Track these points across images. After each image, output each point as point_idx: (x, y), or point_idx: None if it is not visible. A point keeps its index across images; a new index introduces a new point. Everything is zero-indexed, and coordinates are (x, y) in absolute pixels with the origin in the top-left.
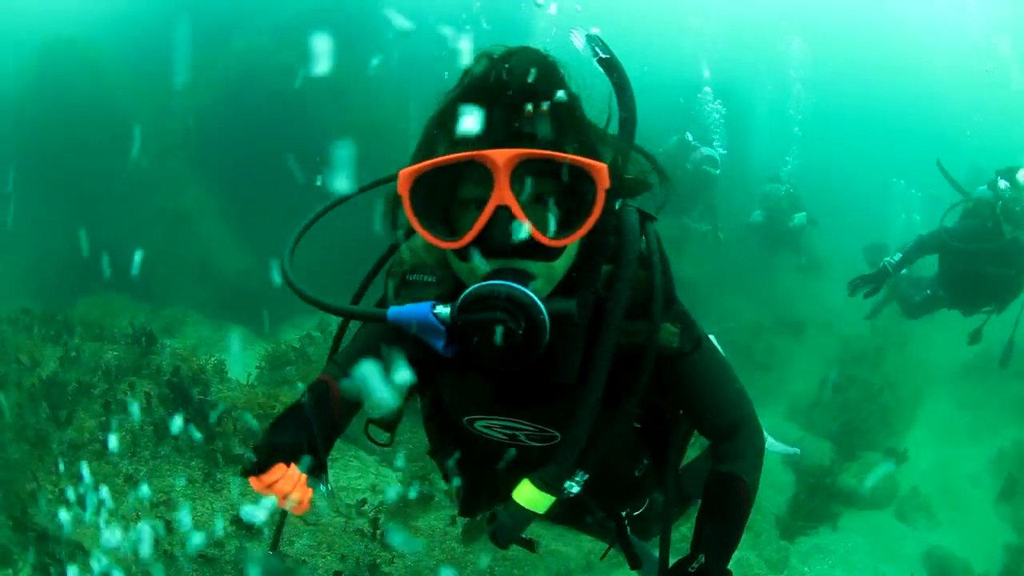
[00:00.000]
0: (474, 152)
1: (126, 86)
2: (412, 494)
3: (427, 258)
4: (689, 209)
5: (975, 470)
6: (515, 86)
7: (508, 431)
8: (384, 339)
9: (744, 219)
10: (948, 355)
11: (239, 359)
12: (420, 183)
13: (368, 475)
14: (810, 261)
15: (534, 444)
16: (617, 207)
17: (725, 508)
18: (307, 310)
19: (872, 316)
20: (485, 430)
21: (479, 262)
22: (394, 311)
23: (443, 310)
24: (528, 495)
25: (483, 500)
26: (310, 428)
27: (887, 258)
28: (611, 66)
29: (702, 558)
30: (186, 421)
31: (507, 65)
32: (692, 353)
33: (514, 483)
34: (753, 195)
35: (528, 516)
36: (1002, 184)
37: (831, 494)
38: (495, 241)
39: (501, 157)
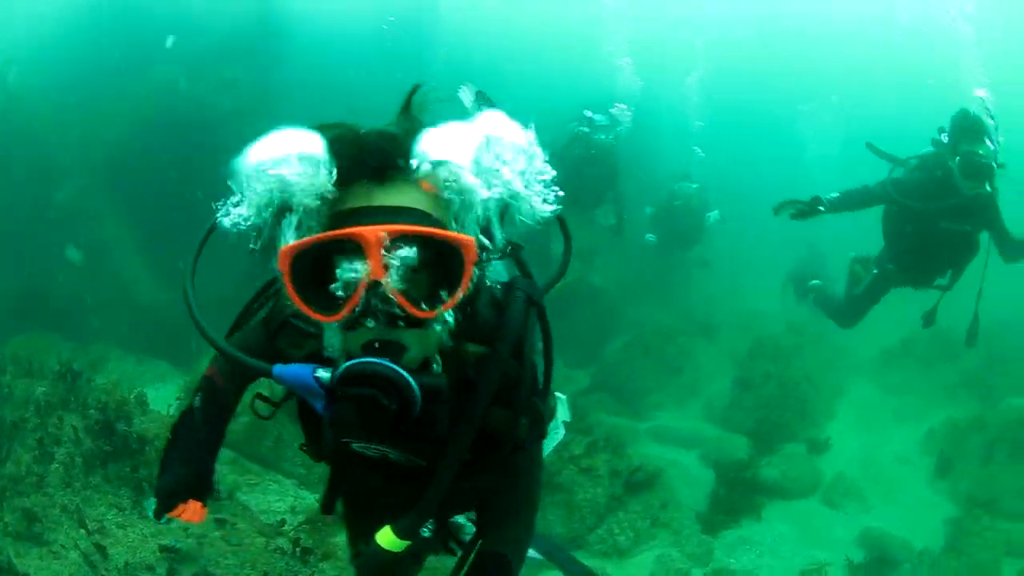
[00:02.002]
0: (346, 231)
1: (43, 116)
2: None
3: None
4: (599, 203)
5: (905, 452)
6: (385, 160)
7: (380, 452)
8: (260, 351)
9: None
10: (870, 344)
11: (160, 392)
12: (298, 257)
13: (287, 497)
14: (714, 258)
15: (399, 461)
16: (505, 284)
17: None
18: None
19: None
20: (359, 448)
21: (355, 335)
22: (279, 370)
23: (324, 374)
24: (388, 539)
25: (364, 510)
26: (202, 451)
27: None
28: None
29: None
30: (111, 453)
31: (379, 138)
32: (529, 447)
33: (390, 492)
34: (661, 192)
35: (387, 554)
36: (943, 137)
37: (752, 487)
38: (368, 314)
39: (372, 235)
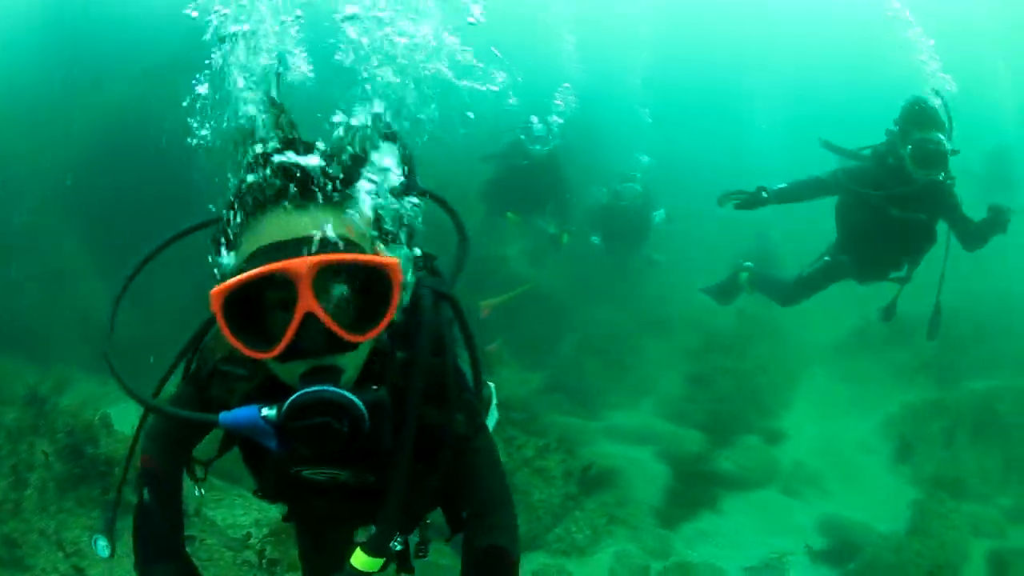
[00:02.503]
0: (275, 266)
1: None
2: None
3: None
4: (540, 208)
5: (864, 439)
6: (302, 188)
7: (329, 475)
8: (194, 407)
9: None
10: (824, 334)
11: (123, 411)
12: (229, 297)
13: (251, 511)
14: (663, 255)
15: (348, 481)
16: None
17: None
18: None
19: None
20: (309, 476)
21: (292, 365)
22: (225, 417)
23: (269, 413)
24: (362, 560)
25: (319, 537)
26: (173, 541)
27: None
28: (397, 140)
29: None
30: (82, 476)
31: (293, 166)
32: (475, 439)
33: (344, 513)
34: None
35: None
36: (895, 127)
37: (708, 480)
38: (305, 345)
39: (302, 266)
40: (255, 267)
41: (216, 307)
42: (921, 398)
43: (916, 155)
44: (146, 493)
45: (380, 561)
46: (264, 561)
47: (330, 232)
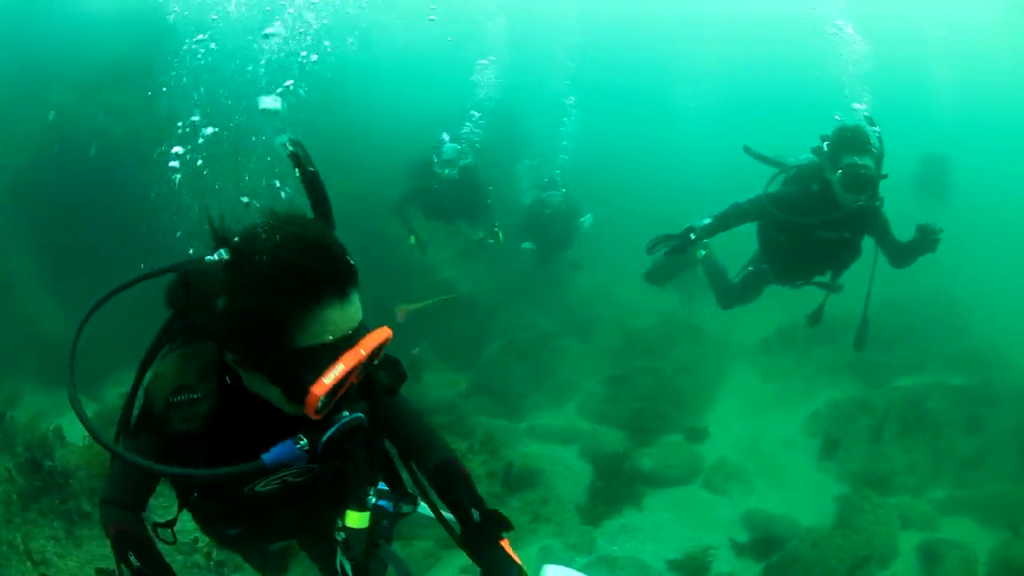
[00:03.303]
0: (354, 362)
1: None
2: None
3: (188, 377)
4: (463, 214)
5: (789, 436)
6: (346, 275)
7: (278, 480)
8: (158, 458)
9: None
10: (750, 333)
11: (73, 422)
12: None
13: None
14: (587, 258)
15: (298, 480)
16: None
17: (459, 478)
18: (126, 365)
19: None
20: (262, 488)
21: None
22: (271, 458)
23: (303, 444)
24: (356, 519)
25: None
26: None
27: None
28: (300, 161)
29: (476, 513)
30: (42, 488)
31: (331, 256)
32: (398, 389)
33: (293, 519)
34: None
35: (362, 533)
36: (824, 146)
37: (631, 478)
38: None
39: (364, 356)
40: (332, 357)
41: (313, 404)
42: (848, 395)
43: (845, 179)
44: (134, 559)
45: (367, 514)
46: (212, 563)
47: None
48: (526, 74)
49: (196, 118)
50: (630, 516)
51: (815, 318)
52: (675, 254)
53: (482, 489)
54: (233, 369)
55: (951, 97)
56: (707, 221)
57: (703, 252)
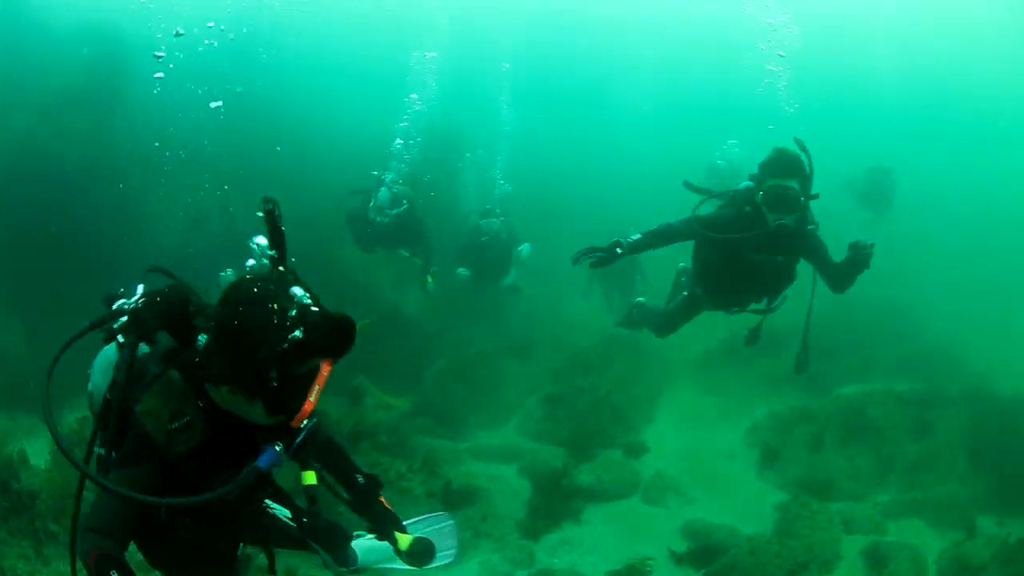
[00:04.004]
0: (324, 379)
1: None
2: None
3: (174, 404)
4: (401, 244)
5: (729, 447)
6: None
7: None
8: (156, 484)
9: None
10: (689, 349)
11: (34, 445)
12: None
13: None
14: (522, 283)
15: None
16: None
17: (341, 451)
18: (82, 390)
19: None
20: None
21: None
22: (265, 464)
23: (281, 447)
24: (309, 477)
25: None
26: None
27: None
28: (273, 220)
29: (359, 477)
30: (11, 509)
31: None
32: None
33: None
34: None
35: (314, 489)
36: (750, 179)
37: (570, 493)
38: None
39: (329, 367)
40: (313, 378)
41: (307, 415)
42: (788, 406)
43: (767, 200)
44: None
45: (313, 472)
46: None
47: None
48: (464, 76)
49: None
50: (569, 530)
51: (753, 337)
52: (600, 266)
53: (421, 508)
54: (204, 392)
55: (893, 100)
56: (636, 237)
57: (643, 299)
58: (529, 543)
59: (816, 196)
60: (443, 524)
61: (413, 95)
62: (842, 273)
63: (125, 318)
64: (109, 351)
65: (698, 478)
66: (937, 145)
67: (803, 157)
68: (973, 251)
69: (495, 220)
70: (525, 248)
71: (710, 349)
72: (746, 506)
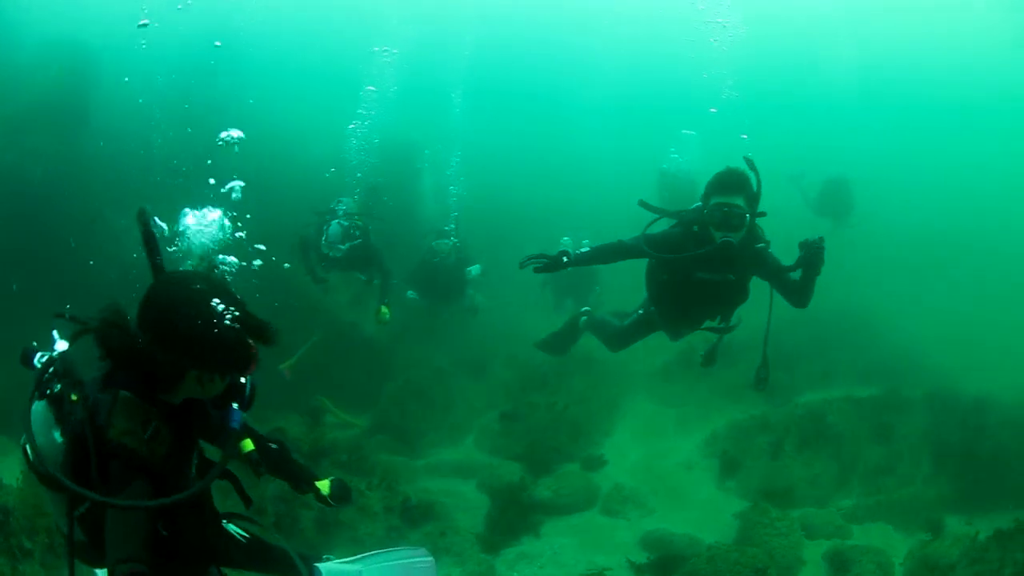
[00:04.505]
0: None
1: None
2: None
3: (140, 415)
4: (358, 268)
5: (688, 458)
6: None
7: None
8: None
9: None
10: (646, 361)
11: (2, 464)
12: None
13: None
14: (479, 300)
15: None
16: None
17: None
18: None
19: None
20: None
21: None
22: (236, 422)
23: (236, 404)
24: (246, 445)
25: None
26: None
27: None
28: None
29: (273, 445)
30: None
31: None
32: None
33: None
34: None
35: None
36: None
37: (528, 507)
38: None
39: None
40: None
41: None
42: (747, 415)
43: (712, 217)
44: None
45: (251, 441)
46: None
47: None
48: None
49: None
50: (529, 543)
51: (709, 358)
52: (544, 272)
53: (380, 523)
54: (157, 400)
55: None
56: (585, 249)
57: (584, 319)
58: (489, 557)
59: (763, 214)
60: (421, 560)
61: (370, 87)
62: (800, 286)
63: (53, 368)
64: (38, 410)
65: (658, 489)
66: (889, 144)
67: (750, 175)
68: (930, 253)
69: (446, 241)
70: (475, 268)
71: (668, 361)
72: (706, 516)
